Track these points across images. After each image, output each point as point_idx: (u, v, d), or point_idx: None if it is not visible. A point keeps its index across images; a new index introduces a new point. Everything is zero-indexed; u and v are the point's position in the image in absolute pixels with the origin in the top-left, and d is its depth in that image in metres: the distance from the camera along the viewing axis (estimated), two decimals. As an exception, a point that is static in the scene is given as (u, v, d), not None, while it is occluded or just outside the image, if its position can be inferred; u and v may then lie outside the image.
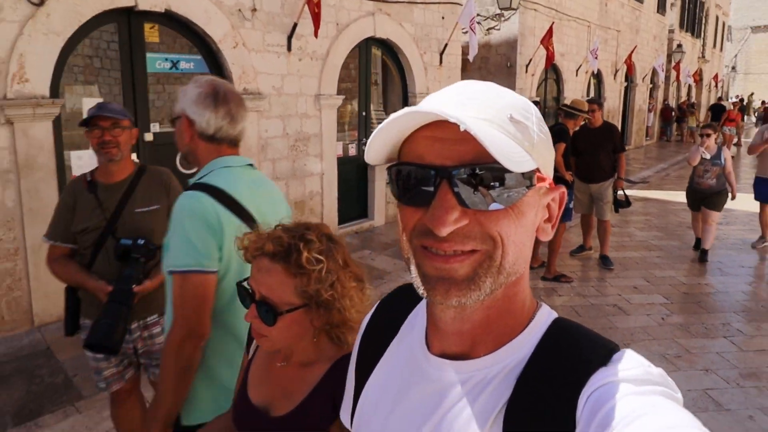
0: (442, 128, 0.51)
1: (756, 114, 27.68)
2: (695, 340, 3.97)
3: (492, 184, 0.50)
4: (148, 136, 4.67)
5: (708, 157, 5.68)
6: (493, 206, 0.51)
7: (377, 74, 7.33)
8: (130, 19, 4.43)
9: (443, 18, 7.38)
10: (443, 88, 0.57)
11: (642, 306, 4.61)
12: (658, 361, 3.50)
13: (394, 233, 6.51)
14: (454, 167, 0.51)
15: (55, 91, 3.99)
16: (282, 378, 1.11)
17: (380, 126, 0.54)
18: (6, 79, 3.69)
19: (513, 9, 9.52)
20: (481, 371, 0.58)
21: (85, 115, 2.09)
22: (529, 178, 0.52)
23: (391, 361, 0.68)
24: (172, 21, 4.71)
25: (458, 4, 7.52)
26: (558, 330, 0.59)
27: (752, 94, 38.10)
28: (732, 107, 18.01)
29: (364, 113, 6.88)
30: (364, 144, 5.56)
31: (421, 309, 0.69)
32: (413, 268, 0.55)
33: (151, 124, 4.72)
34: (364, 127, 6.86)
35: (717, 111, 17.12)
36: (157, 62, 4.70)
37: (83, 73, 4.32)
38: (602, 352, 0.54)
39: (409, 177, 0.53)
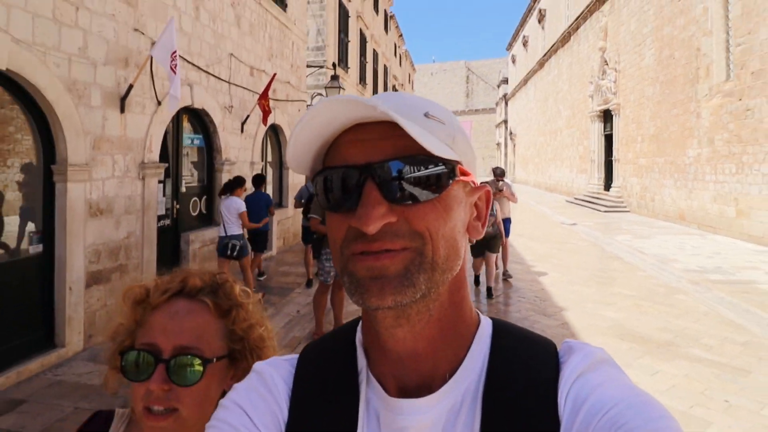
0: (363, 130, 0.53)
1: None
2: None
3: (416, 176, 0.51)
4: (183, 189, 7.05)
5: None
6: (420, 196, 0.52)
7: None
8: (178, 114, 6.87)
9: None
10: None
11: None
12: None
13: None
14: (378, 163, 0.52)
15: (174, 156, 6.29)
16: None
17: (298, 126, 0.53)
18: (144, 151, 5.89)
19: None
20: (450, 397, 0.55)
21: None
22: (451, 169, 0.54)
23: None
24: (195, 113, 7.25)
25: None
26: (502, 335, 0.60)
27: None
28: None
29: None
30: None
31: (367, 366, 0.60)
32: (347, 280, 0.53)
33: (182, 179, 7.09)
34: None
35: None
36: (186, 138, 7.16)
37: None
38: (553, 351, 0.57)
39: (335, 181, 0.54)
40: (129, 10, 5.61)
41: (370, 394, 0.58)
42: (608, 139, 20.71)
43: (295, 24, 11.27)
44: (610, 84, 19.91)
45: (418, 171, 0.52)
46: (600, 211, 18.51)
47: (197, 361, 0.83)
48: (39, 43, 4.45)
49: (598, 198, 20.14)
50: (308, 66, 13.16)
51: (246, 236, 6.67)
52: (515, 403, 0.53)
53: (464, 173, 0.56)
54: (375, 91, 22.45)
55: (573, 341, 0.58)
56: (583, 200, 21.16)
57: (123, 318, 0.90)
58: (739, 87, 12.18)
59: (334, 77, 12.42)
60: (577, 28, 24.75)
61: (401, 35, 33.21)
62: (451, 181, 0.54)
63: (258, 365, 0.65)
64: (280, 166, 11.02)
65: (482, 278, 7.54)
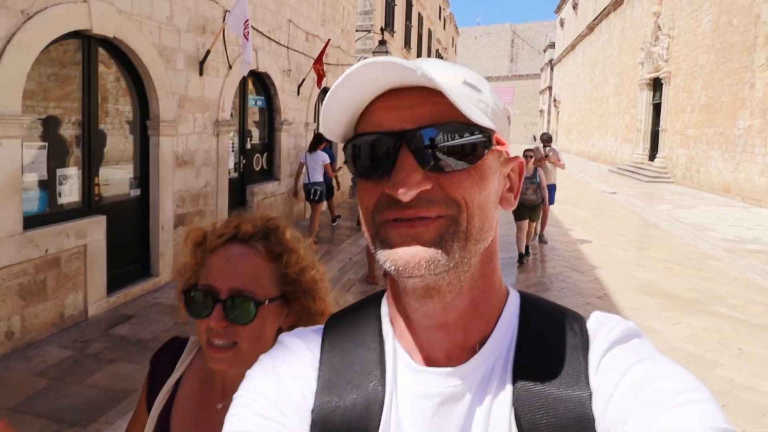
0: (397, 97, 0.52)
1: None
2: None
3: (452, 143, 0.51)
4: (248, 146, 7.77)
5: (528, 175, 7.06)
6: (456, 165, 0.51)
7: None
8: (244, 78, 7.50)
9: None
10: None
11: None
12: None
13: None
14: (413, 130, 0.51)
15: (241, 115, 7.00)
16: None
17: (333, 89, 0.52)
18: (218, 111, 6.58)
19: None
20: (481, 368, 0.56)
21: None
22: (488, 137, 0.53)
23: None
24: (259, 77, 7.88)
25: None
26: (530, 308, 0.60)
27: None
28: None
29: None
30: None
31: (394, 339, 0.60)
32: (379, 249, 0.53)
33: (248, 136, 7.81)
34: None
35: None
36: (251, 99, 7.83)
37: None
38: (581, 323, 0.58)
39: (368, 148, 0.53)
40: (206, -20, 6.20)
41: (397, 364, 0.58)
42: (656, 109, 20.30)
43: (347, -11, 11.64)
44: (662, 51, 19.38)
45: (455, 139, 0.51)
46: (642, 181, 18.41)
47: (251, 302, 0.89)
48: (137, 13, 5.10)
49: (641, 168, 19.95)
50: (356, 30, 13.55)
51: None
52: (546, 371, 0.53)
53: (499, 143, 0.55)
54: (419, 55, 22.55)
55: (601, 313, 0.59)
56: (626, 170, 21.00)
57: (186, 257, 1.00)
58: (798, 56, 11.86)
59: (382, 42, 12.77)
60: (632, -9, 23.88)
61: (447, -3, 32.72)
62: (486, 150, 0.53)
63: (284, 337, 0.65)
64: (329, 127, 11.66)
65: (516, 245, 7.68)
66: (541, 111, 56.25)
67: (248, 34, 5.86)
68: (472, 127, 0.51)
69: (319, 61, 8.86)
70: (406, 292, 0.56)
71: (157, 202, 5.52)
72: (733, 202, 13.64)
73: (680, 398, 0.47)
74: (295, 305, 0.97)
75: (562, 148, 41.99)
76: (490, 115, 0.54)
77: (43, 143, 4.33)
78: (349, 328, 0.63)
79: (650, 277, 6.79)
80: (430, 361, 0.57)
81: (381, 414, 0.55)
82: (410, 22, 20.63)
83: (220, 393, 0.97)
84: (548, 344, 0.56)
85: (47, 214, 4.35)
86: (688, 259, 7.81)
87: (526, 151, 7.47)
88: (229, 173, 7.11)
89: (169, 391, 1.00)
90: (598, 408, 0.51)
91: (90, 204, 4.77)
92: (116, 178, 5.25)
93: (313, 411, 0.56)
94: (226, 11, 6.46)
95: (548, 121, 51.18)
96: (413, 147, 0.51)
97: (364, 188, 0.55)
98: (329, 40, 9.43)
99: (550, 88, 50.68)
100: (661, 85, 19.62)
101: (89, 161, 4.74)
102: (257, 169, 8.26)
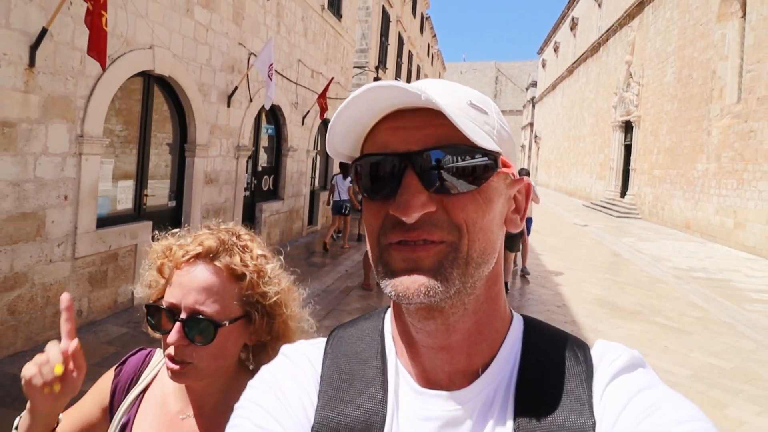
0: (403, 118, 0.53)
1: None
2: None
3: (457, 165, 0.52)
4: (259, 168, 8.89)
5: None
6: (461, 187, 0.52)
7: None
8: (260, 111, 8.69)
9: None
10: None
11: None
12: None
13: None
14: (418, 152, 0.52)
15: (254, 142, 8.12)
16: None
17: (339, 111, 0.54)
18: (239, 137, 7.71)
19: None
20: (483, 392, 0.56)
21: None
22: (494, 159, 0.54)
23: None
24: (271, 108, 9.07)
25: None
26: (533, 332, 0.61)
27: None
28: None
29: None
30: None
31: (397, 357, 0.62)
32: (381, 270, 0.54)
33: (259, 160, 8.93)
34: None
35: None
36: (264, 128, 9.00)
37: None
38: (585, 349, 0.58)
39: (374, 168, 0.54)
40: (236, 29, 7.42)
41: (399, 383, 0.59)
42: (627, 149, 22.04)
43: (347, 32, 13.04)
44: (632, 96, 21.23)
45: (460, 161, 0.52)
46: (613, 216, 19.93)
47: (210, 323, 0.90)
48: (185, 56, 6.26)
49: (613, 204, 21.53)
50: (354, 67, 14.92)
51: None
52: (550, 398, 0.54)
53: (505, 165, 0.56)
54: (408, 89, 24.12)
55: (606, 342, 0.59)
56: (599, 205, 22.56)
57: (152, 272, 1.01)
58: (746, 110, 13.54)
59: (377, 80, 14.13)
60: (607, 40, 25.99)
61: (435, 35, 34.76)
62: (492, 173, 0.53)
63: (286, 349, 0.66)
64: (326, 154, 12.83)
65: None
66: (523, 146, 58.51)
67: (272, 75, 7.06)
68: (477, 149, 0.52)
69: (323, 96, 10.10)
70: (409, 313, 0.57)
71: (189, 213, 6.58)
72: (693, 238, 15.10)
73: (681, 428, 0.47)
74: (259, 324, 0.97)
75: (541, 183, 43.89)
76: (496, 138, 0.55)
77: (110, 160, 5.39)
78: (351, 344, 0.64)
79: (604, 293, 8.00)
80: (432, 383, 0.58)
81: None
82: (401, 59, 22.23)
83: (183, 403, 0.98)
84: (551, 371, 0.56)
85: (109, 217, 5.39)
86: (640, 282, 9.06)
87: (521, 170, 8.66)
88: (243, 191, 8.20)
89: (133, 401, 1.01)
90: None
91: (140, 211, 5.82)
92: (158, 191, 6.31)
93: (313, 427, 0.57)
94: (250, 53, 7.67)
95: (529, 157, 53.34)
96: (418, 168, 0.52)
97: (370, 209, 0.56)
98: (332, 78, 10.71)
99: (531, 124, 53.04)
100: (632, 127, 21.40)
101: (141, 176, 5.81)
102: (265, 189, 9.37)
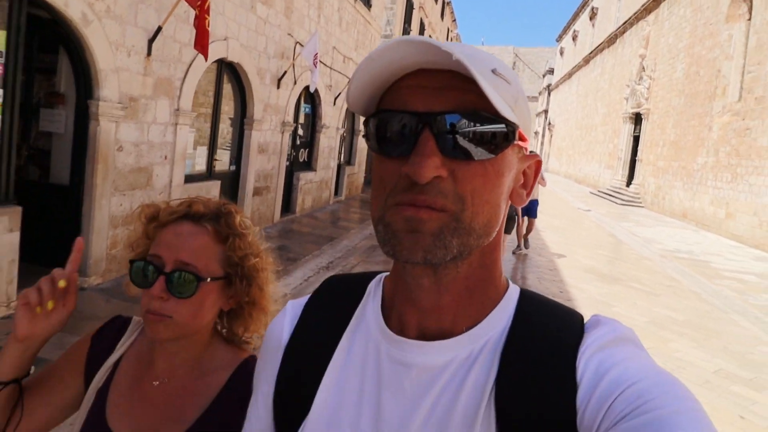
0: (426, 77, 0.53)
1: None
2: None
3: (475, 131, 0.52)
4: (298, 142, 10.26)
5: None
6: (476, 153, 0.52)
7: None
8: (301, 92, 10.00)
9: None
10: None
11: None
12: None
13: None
14: (438, 113, 0.52)
15: (295, 119, 9.48)
16: (160, 399, 1.01)
17: (363, 62, 0.54)
18: (284, 115, 9.06)
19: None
20: (465, 348, 0.58)
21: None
22: (511, 130, 0.54)
23: (350, 358, 0.63)
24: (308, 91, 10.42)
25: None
26: (528, 301, 0.62)
27: None
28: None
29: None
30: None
31: (373, 301, 0.67)
32: (381, 230, 0.55)
33: (298, 135, 10.30)
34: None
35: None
36: (303, 107, 10.35)
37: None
38: (578, 320, 0.59)
39: (390, 124, 0.54)
40: (286, 21, 8.71)
41: (376, 331, 0.62)
42: (636, 140, 23.07)
43: (375, 20, 14.24)
44: (644, 89, 22.20)
45: (479, 127, 0.52)
46: (617, 203, 21.11)
47: (192, 277, 0.94)
48: (249, 45, 7.58)
49: (618, 192, 22.68)
50: (378, 52, 16.12)
51: None
52: (534, 360, 0.55)
53: (522, 138, 0.56)
54: (427, 73, 25.24)
55: (602, 316, 0.60)
56: (605, 193, 23.72)
57: (138, 232, 1.05)
58: (744, 108, 14.61)
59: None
60: (624, 32, 26.80)
61: (455, 20, 35.64)
62: (509, 144, 0.54)
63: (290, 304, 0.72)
64: (351, 132, 14.16)
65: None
66: (536, 132, 59.25)
67: (317, 63, 8.36)
68: (498, 118, 0.52)
69: (353, 80, 11.40)
70: (406, 272, 0.59)
71: (245, 176, 7.99)
72: (688, 226, 16.29)
73: (673, 405, 0.47)
74: (236, 289, 1.02)
75: (552, 170, 44.85)
76: (516, 109, 0.55)
77: (192, 130, 6.77)
78: (335, 292, 0.70)
79: (592, 263, 9.33)
80: (420, 336, 0.60)
81: (340, 339, 0.64)
82: (422, 44, 23.30)
83: (157, 370, 1.02)
84: (540, 337, 0.57)
85: (191, 175, 6.79)
86: (627, 258, 10.38)
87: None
88: (285, 161, 9.58)
89: (109, 369, 1.04)
90: (580, 403, 0.52)
91: (211, 172, 7.23)
92: (223, 157, 7.69)
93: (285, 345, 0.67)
94: (296, 42, 8.98)
95: (542, 143, 54.16)
96: (436, 131, 0.52)
97: (382, 166, 0.56)
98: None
99: (546, 111, 53.73)
100: (641, 119, 22.41)
101: (213, 144, 7.19)
102: (301, 161, 10.76)
